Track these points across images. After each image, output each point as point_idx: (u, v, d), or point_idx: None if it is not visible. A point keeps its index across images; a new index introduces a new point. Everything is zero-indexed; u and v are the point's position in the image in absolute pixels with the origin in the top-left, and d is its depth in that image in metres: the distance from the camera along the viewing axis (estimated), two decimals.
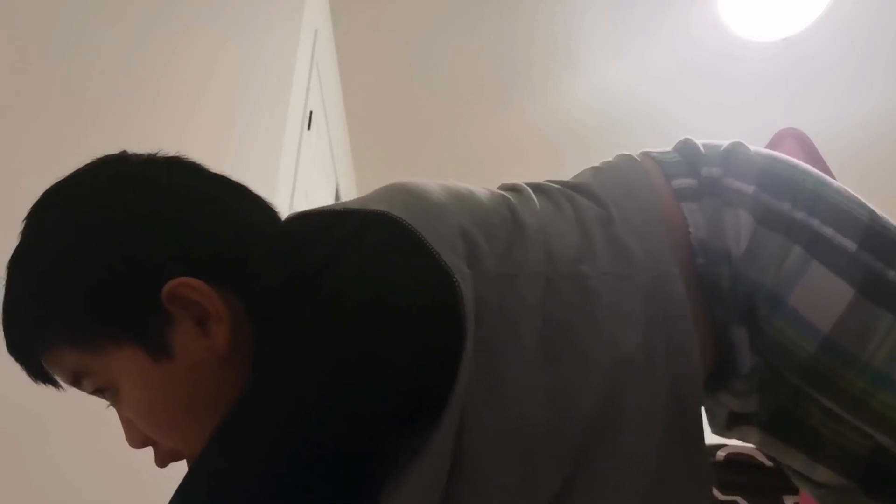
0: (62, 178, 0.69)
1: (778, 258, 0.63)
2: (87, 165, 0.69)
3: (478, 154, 3.09)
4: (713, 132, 0.74)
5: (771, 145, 1.31)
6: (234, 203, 0.70)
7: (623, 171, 0.70)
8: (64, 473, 1.22)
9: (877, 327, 0.61)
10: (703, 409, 0.63)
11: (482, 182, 0.70)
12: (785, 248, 0.63)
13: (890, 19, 2.52)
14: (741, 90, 2.76)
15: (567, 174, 0.74)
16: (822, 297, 0.62)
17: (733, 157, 0.69)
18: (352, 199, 0.64)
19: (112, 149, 0.71)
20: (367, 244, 0.58)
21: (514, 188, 0.69)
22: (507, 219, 0.63)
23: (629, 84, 2.79)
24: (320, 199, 2.47)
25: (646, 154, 0.73)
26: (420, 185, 0.64)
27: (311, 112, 2.15)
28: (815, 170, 0.69)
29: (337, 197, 2.83)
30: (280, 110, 1.85)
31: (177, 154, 0.71)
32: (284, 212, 0.72)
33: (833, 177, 0.72)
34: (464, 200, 0.64)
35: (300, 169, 2.02)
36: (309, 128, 2.15)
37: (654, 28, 2.58)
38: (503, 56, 2.71)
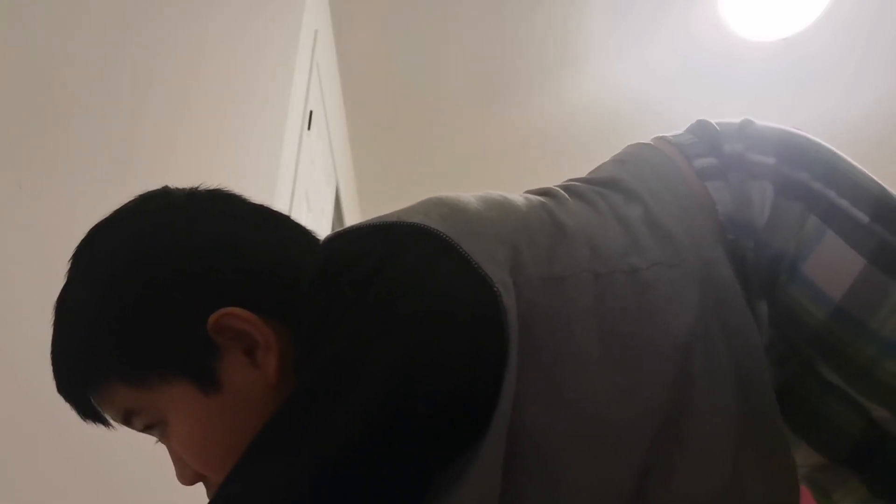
0: (106, 216, 0.68)
1: (796, 227, 0.63)
2: (130, 202, 0.69)
3: (478, 154, 3.09)
4: None
5: None
6: (275, 230, 0.70)
7: (649, 160, 0.70)
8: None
9: (887, 297, 0.61)
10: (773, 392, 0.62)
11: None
12: (803, 216, 0.64)
13: (890, 19, 2.52)
14: (741, 90, 2.77)
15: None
16: (835, 266, 0.62)
17: (750, 132, 0.70)
18: (388, 212, 0.64)
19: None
20: (406, 257, 0.58)
21: (545, 192, 0.69)
22: (547, 222, 0.63)
23: (629, 84, 2.79)
24: (320, 198, 2.47)
25: (661, 138, 0.72)
26: (456, 197, 0.63)
27: (311, 112, 2.15)
28: (826, 143, 0.69)
29: (337, 197, 2.83)
30: (280, 110, 1.85)
31: (218, 186, 0.71)
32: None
33: None
34: (501, 208, 0.63)
35: (300, 169, 2.02)
36: (309, 128, 2.15)
37: (655, 28, 2.58)
38: (504, 56, 2.71)
